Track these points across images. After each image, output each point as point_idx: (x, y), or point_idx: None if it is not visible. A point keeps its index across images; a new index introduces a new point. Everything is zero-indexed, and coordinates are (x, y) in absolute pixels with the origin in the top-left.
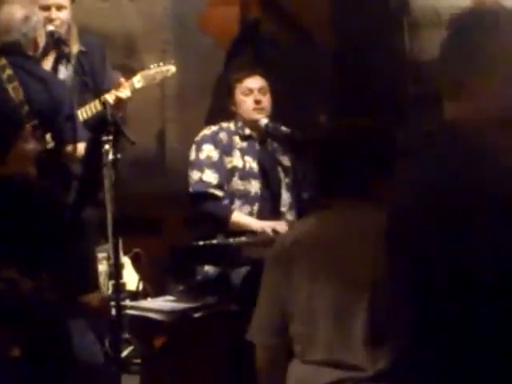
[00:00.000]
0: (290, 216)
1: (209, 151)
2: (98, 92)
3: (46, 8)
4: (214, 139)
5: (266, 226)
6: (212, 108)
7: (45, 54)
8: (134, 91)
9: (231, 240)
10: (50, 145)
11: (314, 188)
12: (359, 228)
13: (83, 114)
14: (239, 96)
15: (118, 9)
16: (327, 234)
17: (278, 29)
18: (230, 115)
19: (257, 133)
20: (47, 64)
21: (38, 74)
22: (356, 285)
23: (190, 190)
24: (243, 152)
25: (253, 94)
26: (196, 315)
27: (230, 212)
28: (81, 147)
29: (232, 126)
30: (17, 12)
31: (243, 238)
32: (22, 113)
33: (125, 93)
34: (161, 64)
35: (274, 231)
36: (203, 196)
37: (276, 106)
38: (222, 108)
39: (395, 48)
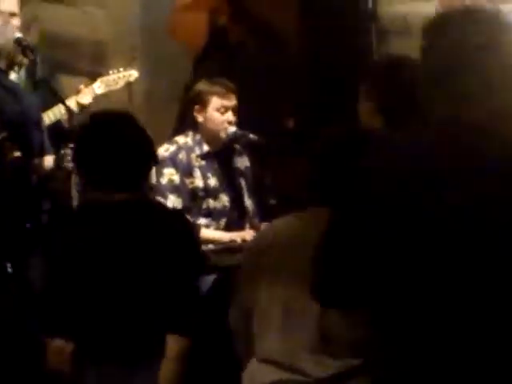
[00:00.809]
0: (256, 222)
1: (170, 175)
2: (58, 99)
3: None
4: (173, 161)
5: (236, 236)
6: (180, 115)
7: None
8: (96, 97)
9: None
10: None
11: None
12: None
13: (47, 119)
14: (212, 111)
15: (87, 16)
16: (296, 236)
17: (247, 35)
18: (194, 123)
19: (216, 146)
20: None
21: (7, 85)
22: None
23: None
24: (203, 170)
25: (227, 113)
26: None
27: (198, 230)
28: (48, 160)
29: (189, 140)
30: None
31: (210, 246)
32: None
33: (86, 99)
34: (121, 69)
35: (244, 241)
36: None
37: (245, 111)
38: (190, 115)
39: (363, 54)
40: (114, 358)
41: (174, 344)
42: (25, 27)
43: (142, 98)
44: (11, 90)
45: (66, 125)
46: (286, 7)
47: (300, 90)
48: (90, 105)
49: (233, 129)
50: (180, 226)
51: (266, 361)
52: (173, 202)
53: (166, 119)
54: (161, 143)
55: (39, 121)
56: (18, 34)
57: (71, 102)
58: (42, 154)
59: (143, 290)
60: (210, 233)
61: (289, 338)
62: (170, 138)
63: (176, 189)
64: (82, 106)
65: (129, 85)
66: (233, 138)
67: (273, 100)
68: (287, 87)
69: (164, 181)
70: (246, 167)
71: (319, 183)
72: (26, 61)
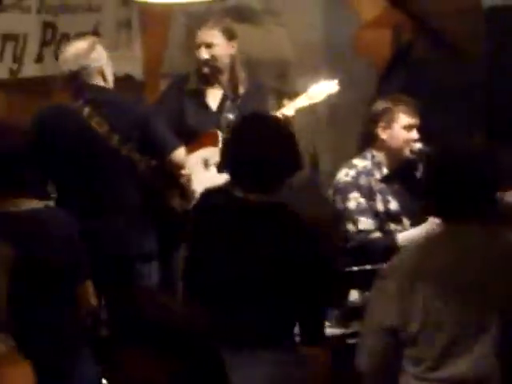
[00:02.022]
0: None
1: (356, 199)
2: None
3: (197, 46)
4: (357, 186)
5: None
6: (365, 132)
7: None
8: (298, 110)
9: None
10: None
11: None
12: (479, 252)
13: None
14: (398, 128)
15: (270, 34)
16: (447, 257)
17: (431, 51)
18: (373, 140)
19: (397, 165)
20: (215, 96)
21: (112, 100)
22: (483, 309)
23: (350, 244)
24: (383, 194)
25: (412, 131)
26: (351, 341)
27: (394, 239)
28: (180, 153)
29: (368, 164)
30: (79, 45)
31: None
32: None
33: (289, 111)
34: (321, 83)
35: None
36: (368, 244)
37: (430, 127)
38: (372, 132)
39: None
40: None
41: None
42: None
43: (325, 115)
44: (115, 103)
45: None
46: (471, 23)
47: (485, 108)
48: (293, 118)
49: (418, 145)
50: (313, 236)
51: (432, 380)
52: (365, 224)
53: (351, 136)
54: (345, 160)
55: (159, 120)
56: (205, 56)
57: (277, 114)
58: (173, 149)
59: (268, 292)
60: (406, 235)
61: (465, 359)
62: (356, 155)
63: (365, 211)
64: (286, 118)
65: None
66: (419, 155)
67: (458, 116)
68: (472, 104)
69: (352, 205)
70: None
71: (435, 194)
72: (241, 92)
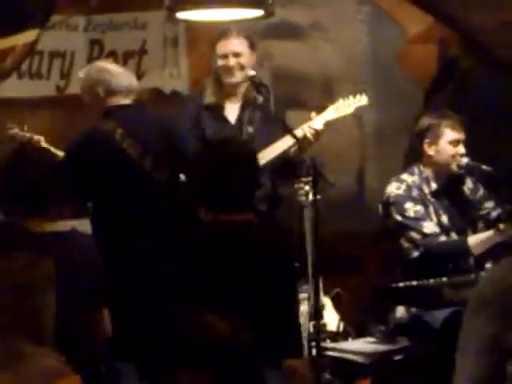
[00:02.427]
0: None
1: (412, 207)
2: (287, 131)
3: (223, 56)
4: (410, 197)
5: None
6: (410, 148)
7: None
8: (327, 124)
9: (431, 281)
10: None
11: None
12: None
13: (273, 151)
14: (444, 144)
15: (317, 51)
16: None
17: (478, 66)
18: (420, 156)
19: (444, 180)
20: (233, 108)
21: (143, 119)
22: None
23: (417, 253)
24: (435, 207)
25: (459, 146)
26: (397, 358)
27: (466, 241)
28: None
29: (416, 178)
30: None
31: (444, 279)
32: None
33: (317, 124)
34: (351, 97)
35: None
36: (437, 247)
37: (477, 143)
38: (419, 148)
39: None
40: None
41: None
42: (258, 64)
43: (371, 131)
44: (147, 121)
45: (296, 159)
46: None
47: None
48: (322, 132)
49: (465, 160)
50: (282, 251)
51: None
52: (429, 228)
53: (397, 152)
54: (391, 176)
55: (188, 136)
56: (251, 72)
57: (303, 128)
58: None
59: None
60: (477, 237)
61: None
62: (400, 173)
63: (426, 216)
64: (315, 131)
65: (359, 118)
66: (466, 170)
67: (504, 131)
68: None
69: (410, 213)
70: (480, 196)
71: None
72: (260, 99)
